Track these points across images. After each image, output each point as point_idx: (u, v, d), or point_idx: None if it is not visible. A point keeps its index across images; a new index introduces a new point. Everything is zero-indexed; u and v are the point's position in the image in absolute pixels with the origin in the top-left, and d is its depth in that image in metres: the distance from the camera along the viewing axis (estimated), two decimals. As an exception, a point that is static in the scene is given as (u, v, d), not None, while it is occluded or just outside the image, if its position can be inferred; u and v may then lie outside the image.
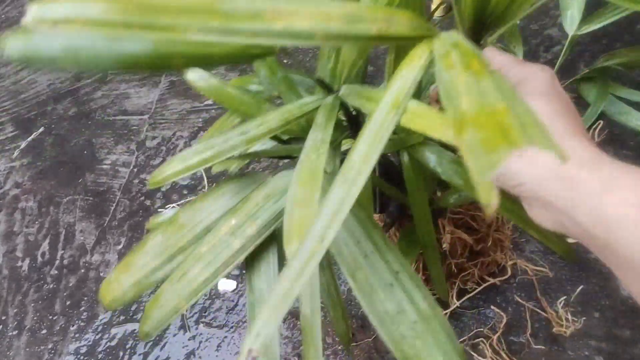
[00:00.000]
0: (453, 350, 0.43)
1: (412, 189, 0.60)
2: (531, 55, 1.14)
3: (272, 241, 0.52)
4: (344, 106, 0.51)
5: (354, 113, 0.56)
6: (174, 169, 0.52)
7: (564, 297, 0.87)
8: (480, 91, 0.30)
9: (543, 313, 0.87)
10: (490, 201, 0.24)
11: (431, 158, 0.57)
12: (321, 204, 0.35)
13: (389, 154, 0.70)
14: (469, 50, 0.33)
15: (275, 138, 0.64)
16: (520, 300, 0.89)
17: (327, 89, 0.54)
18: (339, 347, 0.93)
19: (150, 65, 0.39)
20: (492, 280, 0.87)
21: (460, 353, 0.43)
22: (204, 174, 1.27)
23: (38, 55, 0.35)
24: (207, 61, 0.43)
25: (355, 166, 0.35)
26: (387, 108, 0.36)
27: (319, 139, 0.44)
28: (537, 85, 0.41)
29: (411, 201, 0.61)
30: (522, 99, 0.30)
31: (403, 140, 0.57)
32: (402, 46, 0.61)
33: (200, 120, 1.41)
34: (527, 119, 0.28)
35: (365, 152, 0.35)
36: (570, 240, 0.64)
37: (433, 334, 0.43)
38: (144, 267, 0.52)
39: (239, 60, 0.45)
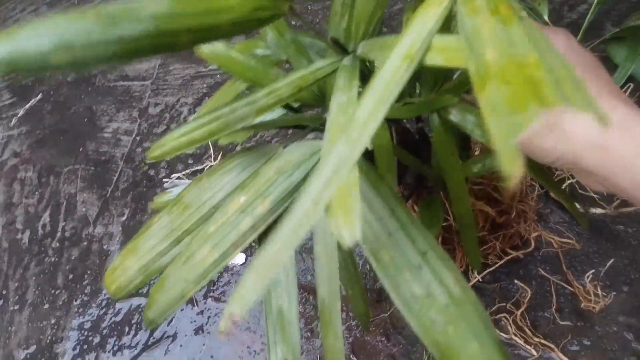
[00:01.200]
0: (488, 336, 0.39)
1: (444, 152, 0.55)
2: (555, 15, 1.08)
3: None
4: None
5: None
6: (175, 142, 0.48)
7: (592, 271, 0.83)
8: (508, 40, 0.27)
9: (569, 287, 0.83)
10: (514, 172, 0.20)
11: (454, 114, 0.52)
12: (319, 165, 0.33)
13: (404, 120, 0.65)
14: None
15: (285, 106, 0.59)
16: (544, 274, 0.85)
17: (342, 50, 0.49)
18: (354, 323, 0.89)
19: (154, 46, 0.34)
20: (514, 254, 0.83)
21: (496, 340, 0.39)
22: (209, 143, 1.22)
23: (26, 57, 0.31)
24: (215, 33, 0.38)
25: (359, 124, 0.32)
26: (399, 60, 0.33)
27: (344, 101, 0.39)
28: None
29: (443, 165, 0.56)
30: (557, 51, 0.26)
31: (433, 102, 0.52)
32: None
33: (204, 85, 1.36)
34: (562, 74, 0.24)
35: (371, 109, 0.32)
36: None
37: (466, 319, 0.39)
38: (150, 251, 0.48)
39: (247, 27, 0.40)
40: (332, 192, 0.31)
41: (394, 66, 0.33)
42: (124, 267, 0.48)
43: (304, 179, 0.46)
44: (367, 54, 0.44)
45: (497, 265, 0.83)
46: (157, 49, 0.33)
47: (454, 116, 0.52)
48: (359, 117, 0.32)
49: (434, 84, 0.54)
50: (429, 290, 0.40)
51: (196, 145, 0.46)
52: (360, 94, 0.42)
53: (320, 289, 0.43)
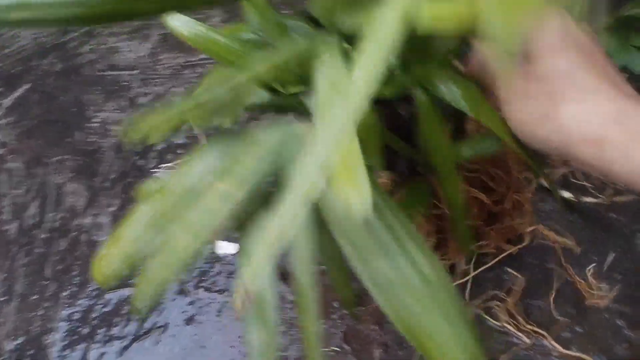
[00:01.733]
0: (458, 316, 0.38)
1: (430, 129, 0.54)
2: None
3: (265, 206, 0.47)
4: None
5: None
6: (152, 121, 0.47)
7: (586, 260, 0.83)
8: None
9: (563, 276, 0.83)
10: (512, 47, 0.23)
11: (441, 87, 0.51)
12: (317, 129, 0.32)
13: (395, 104, 0.64)
14: None
15: (273, 91, 0.58)
16: (538, 263, 0.85)
17: (321, 26, 0.48)
18: (346, 312, 0.89)
19: (116, 11, 0.33)
20: (510, 250, 0.83)
21: (468, 319, 0.39)
22: (201, 132, 1.21)
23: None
24: (183, 1, 0.37)
25: (357, 83, 0.30)
26: (392, 14, 0.31)
27: (332, 73, 0.39)
28: (547, 40, 0.38)
29: (430, 146, 0.55)
30: None
31: (418, 76, 0.51)
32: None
33: (195, 75, 1.35)
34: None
35: (368, 67, 0.30)
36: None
37: (438, 301, 0.39)
38: (135, 240, 0.47)
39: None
40: (335, 161, 0.29)
41: (388, 19, 0.31)
42: (110, 257, 0.47)
43: (285, 163, 0.45)
44: (350, 25, 0.43)
45: (491, 253, 0.83)
46: (122, 14, 0.32)
47: (441, 90, 0.51)
48: (358, 76, 0.30)
49: (421, 57, 0.52)
50: (402, 273, 0.40)
51: (172, 126, 0.45)
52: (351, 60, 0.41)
53: (297, 269, 0.42)
